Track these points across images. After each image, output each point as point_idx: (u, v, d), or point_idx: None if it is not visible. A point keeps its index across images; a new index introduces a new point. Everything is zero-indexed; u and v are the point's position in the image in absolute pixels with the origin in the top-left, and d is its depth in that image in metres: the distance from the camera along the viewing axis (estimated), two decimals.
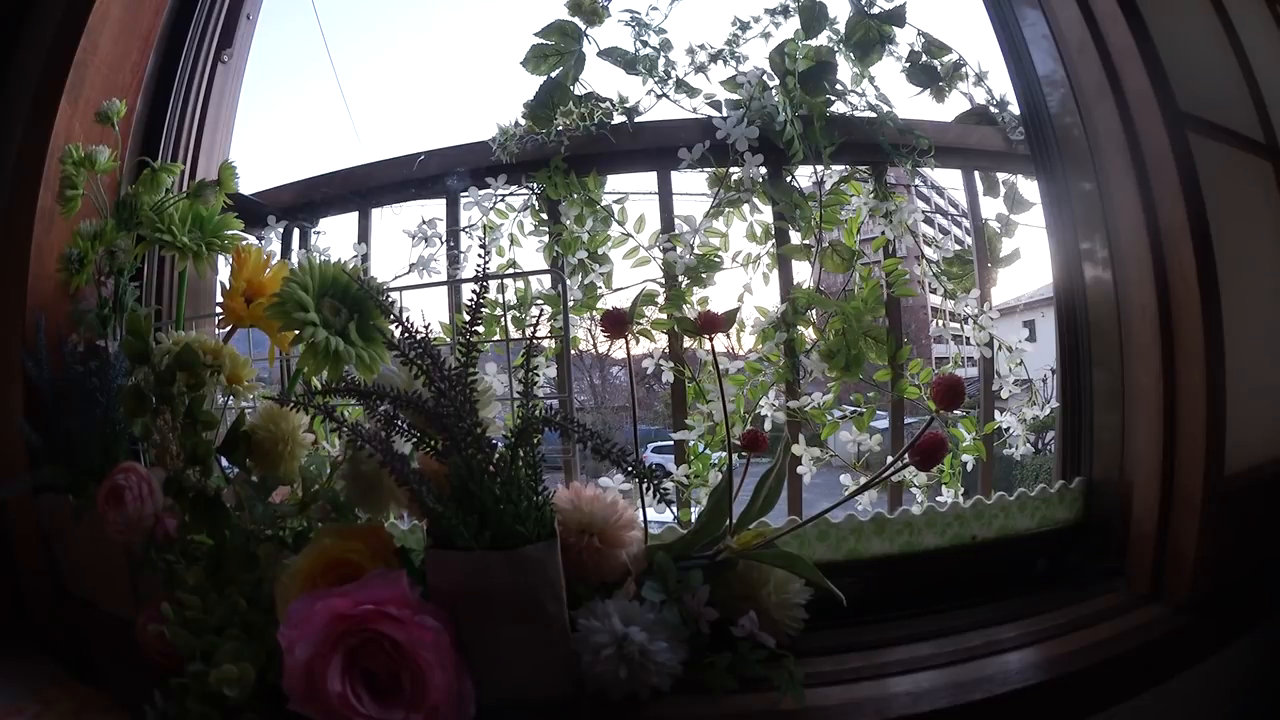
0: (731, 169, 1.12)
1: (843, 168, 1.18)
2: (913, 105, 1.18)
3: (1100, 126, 0.83)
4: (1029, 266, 1.24)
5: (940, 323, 1.32)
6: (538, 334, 0.62)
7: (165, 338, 0.72)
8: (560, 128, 1.12)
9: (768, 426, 1.13)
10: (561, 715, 0.58)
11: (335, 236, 1.23)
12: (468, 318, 0.58)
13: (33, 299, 0.79)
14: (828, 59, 1.13)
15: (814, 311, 1.17)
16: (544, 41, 1.14)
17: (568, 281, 1.13)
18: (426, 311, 1.14)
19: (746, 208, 1.16)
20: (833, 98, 1.12)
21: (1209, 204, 0.75)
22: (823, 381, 1.17)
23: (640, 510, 0.68)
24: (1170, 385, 0.76)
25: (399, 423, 0.57)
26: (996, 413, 1.21)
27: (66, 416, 0.74)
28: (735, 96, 1.13)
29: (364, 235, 1.20)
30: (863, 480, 1.10)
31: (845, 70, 1.14)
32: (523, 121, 1.13)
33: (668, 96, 1.14)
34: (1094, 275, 0.88)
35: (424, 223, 1.15)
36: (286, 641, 0.51)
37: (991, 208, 1.23)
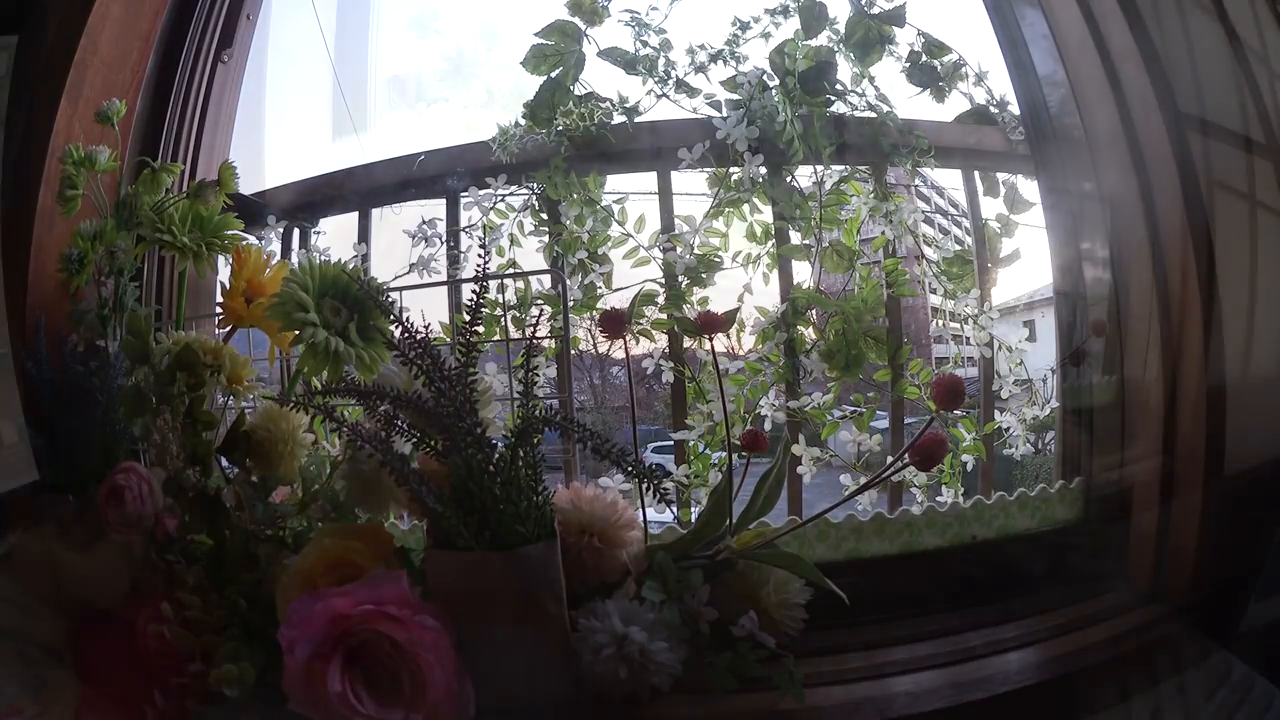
0: (731, 169, 1.12)
1: (843, 168, 1.18)
2: (913, 105, 1.17)
3: (1100, 126, 0.83)
4: (1029, 266, 1.24)
5: (940, 323, 1.31)
6: (538, 334, 0.62)
7: (165, 338, 0.71)
8: (560, 128, 1.12)
9: (768, 426, 1.12)
10: (561, 715, 0.58)
11: (335, 236, 1.23)
12: (468, 318, 0.58)
13: (33, 299, 0.79)
14: (828, 59, 1.12)
15: (814, 311, 1.17)
16: (544, 42, 1.13)
17: (568, 281, 1.13)
18: (426, 311, 1.13)
19: (746, 208, 1.16)
20: (833, 98, 1.11)
21: (1209, 204, 0.75)
22: (823, 381, 1.17)
23: (640, 510, 0.68)
24: (1170, 385, 0.76)
25: (399, 423, 0.57)
26: (996, 413, 1.21)
27: (66, 416, 0.74)
28: (735, 96, 1.12)
29: (364, 235, 1.19)
30: (863, 480, 1.10)
31: (845, 70, 1.13)
32: (523, 121, 1.13)
33: (668, 96, 1.14)
34: (1094, 275, 0.88)
35: (424, 223, 1.14)
36: (286, 641, 0.51)
37: (991, 208, 1.22)
